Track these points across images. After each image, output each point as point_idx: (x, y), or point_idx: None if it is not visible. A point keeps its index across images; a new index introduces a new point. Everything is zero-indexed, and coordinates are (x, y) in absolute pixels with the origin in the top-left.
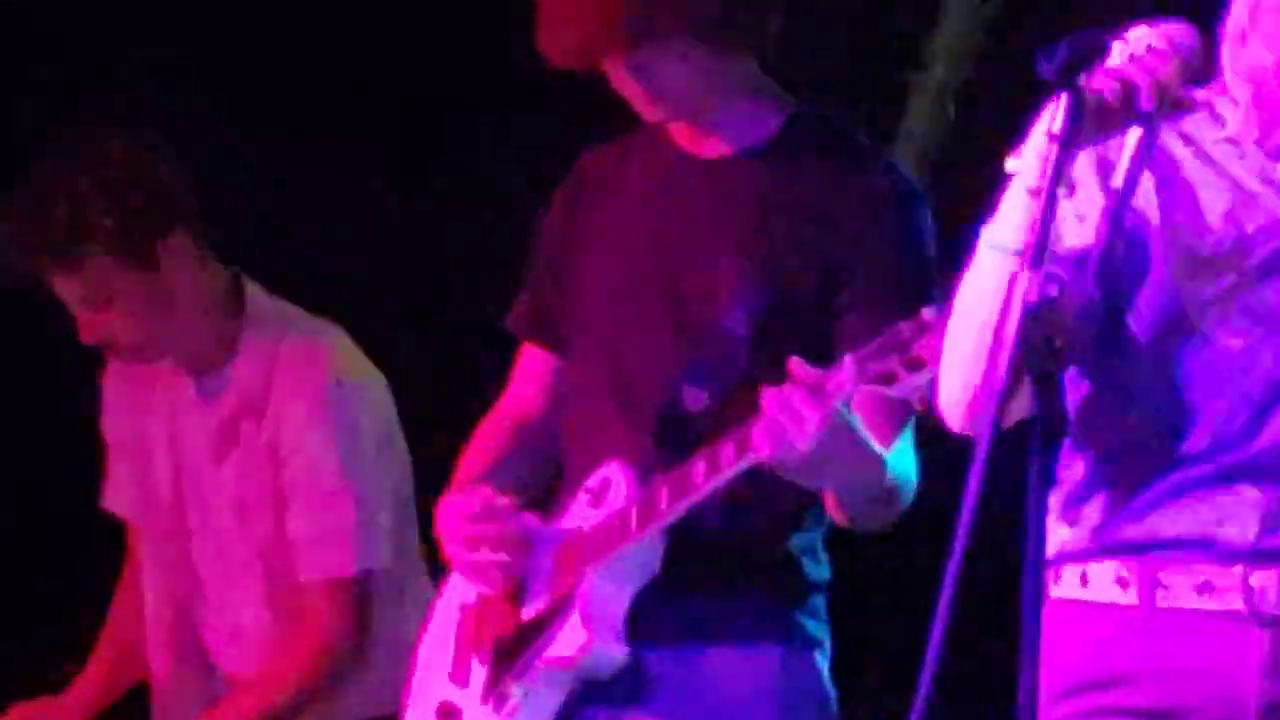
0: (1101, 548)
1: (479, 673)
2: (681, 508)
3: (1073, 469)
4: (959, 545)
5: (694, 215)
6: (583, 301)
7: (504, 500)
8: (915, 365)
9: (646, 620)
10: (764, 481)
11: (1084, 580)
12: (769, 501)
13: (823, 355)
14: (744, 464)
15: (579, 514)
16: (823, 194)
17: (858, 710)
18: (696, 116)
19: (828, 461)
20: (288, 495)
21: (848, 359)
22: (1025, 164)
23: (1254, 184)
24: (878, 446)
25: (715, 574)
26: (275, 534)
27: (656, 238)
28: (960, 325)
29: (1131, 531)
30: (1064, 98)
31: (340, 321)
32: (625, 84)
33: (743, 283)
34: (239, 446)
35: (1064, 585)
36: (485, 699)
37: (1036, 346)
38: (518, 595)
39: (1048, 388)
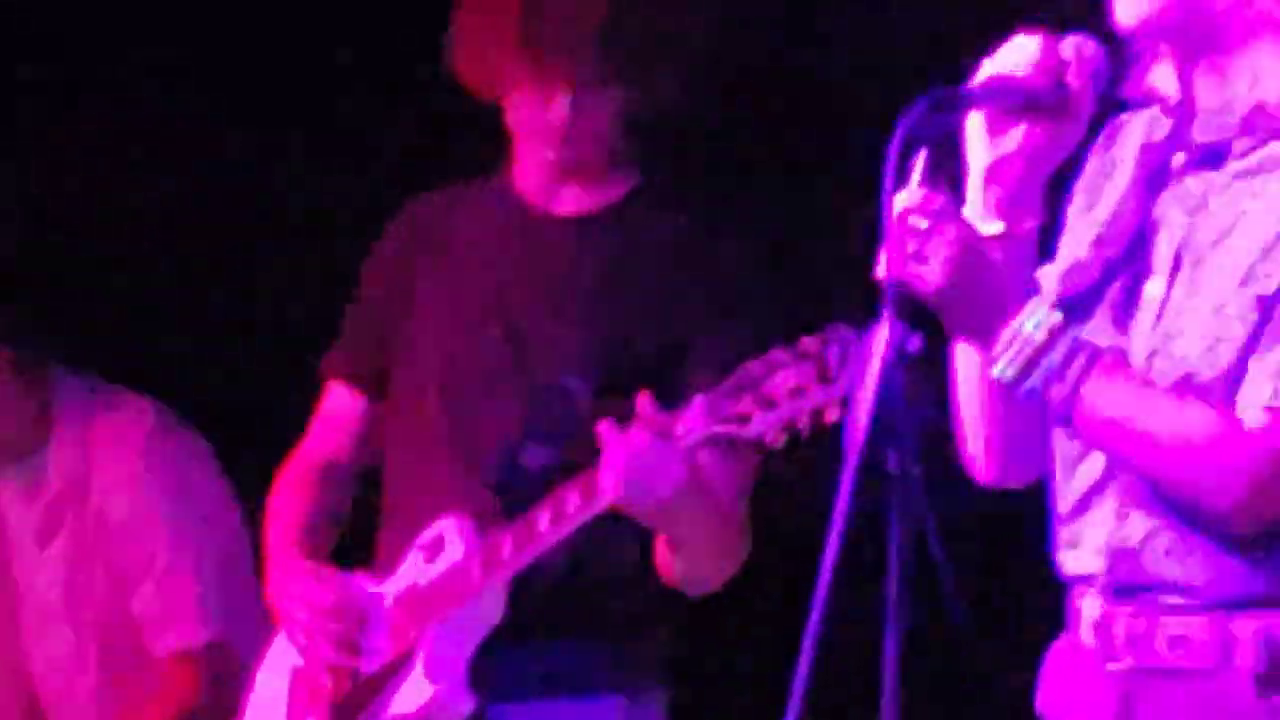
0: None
1: None
2: (526, 557)
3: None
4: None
5: (540, 272)
6: (416, 353)
7: (330, 573)
8: (769, 404)
9: (491, 673)
10: (605, 531)
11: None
12: (611, 550)
13: (669, 406)
14: (591, 510)
15: (414, 570)
16: (665, 265)
17: None
18: (592, 166)
19: (683, 507)
20: (126, 575)
21: (699, 399)
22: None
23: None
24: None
25: (556, 624)
26: (115, 621)
27: (498, 292)
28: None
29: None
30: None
31: None
32: (546, 114)
33: (584, 346)
34: (64, 531)
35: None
36: None
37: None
38: (353, 656)
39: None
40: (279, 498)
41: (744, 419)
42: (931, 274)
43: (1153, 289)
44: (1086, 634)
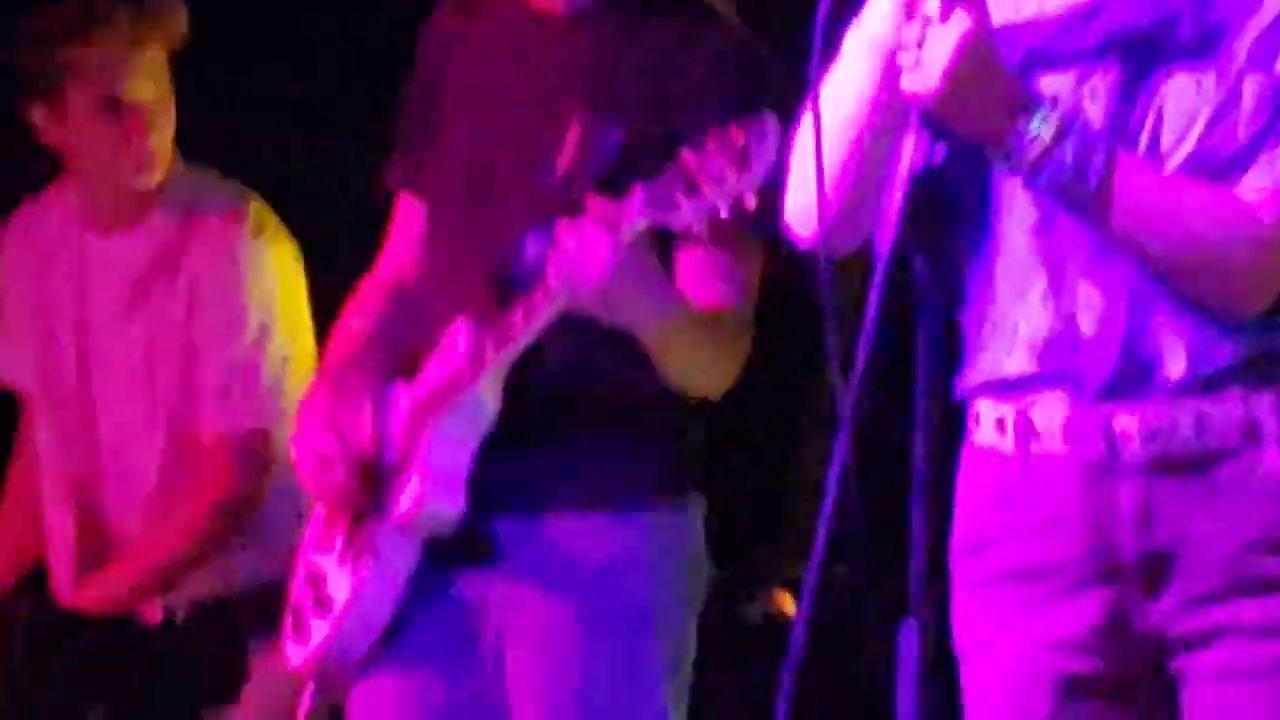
0: (985, 383)
1: (339, 537)
2: (506, 355)
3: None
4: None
5: (542, 74)
6: (440, 161)
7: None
8: (692, 189)
9: (498, 486)
10: (599, 335)
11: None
12: (607, 354)
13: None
14: (550, 303)
15: (433, 373)
16: (668, 52)
17: None
18: None
19: (623, 295)
20: (198, 348)
21: (638, 187)
22: None
23: None
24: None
25: (558, 432)
26: (182, 391)
27: (505, 97)
28: (826, 132)
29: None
30: None
31: None
32: None
33: (587, 140)
34: (151, 303)
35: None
36: (342, 562)
37: (923, 216)
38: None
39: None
40: (348, 316)
41: (672, 206)
42: (930, 79)
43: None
44: (1050, 440)
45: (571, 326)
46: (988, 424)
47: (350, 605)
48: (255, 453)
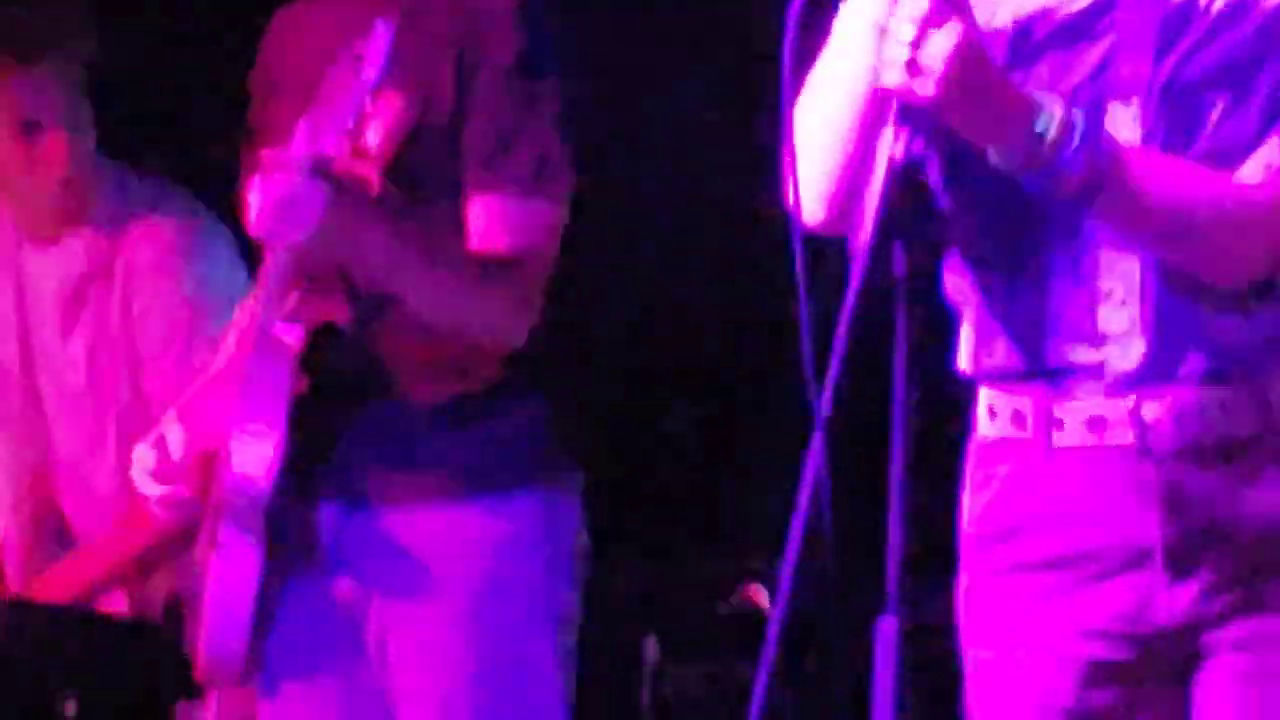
0: (999, 373)
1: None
2: (262, 321)
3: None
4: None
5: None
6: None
7: None
8: (329, 110)
9: (355, 479)
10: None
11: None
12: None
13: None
14: (274, 258)
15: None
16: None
17: None
18: None
19: (336, 230)
20: (142, 355)
21: (301, 124)
22: None
23: None
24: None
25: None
26: (130, 394)
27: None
28: (813, 114)
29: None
30: None
31: None
32: None
33: (389, 102)
34: (89, 312)
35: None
36: (201, 557)
37: (905, 208)
38: None
39: (919, 251)
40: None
41: (316, 131)
42: (927, 87)
43: None
44: (1075, 431)
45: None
46: (1003, 415)
47: (211, 602)
48: None
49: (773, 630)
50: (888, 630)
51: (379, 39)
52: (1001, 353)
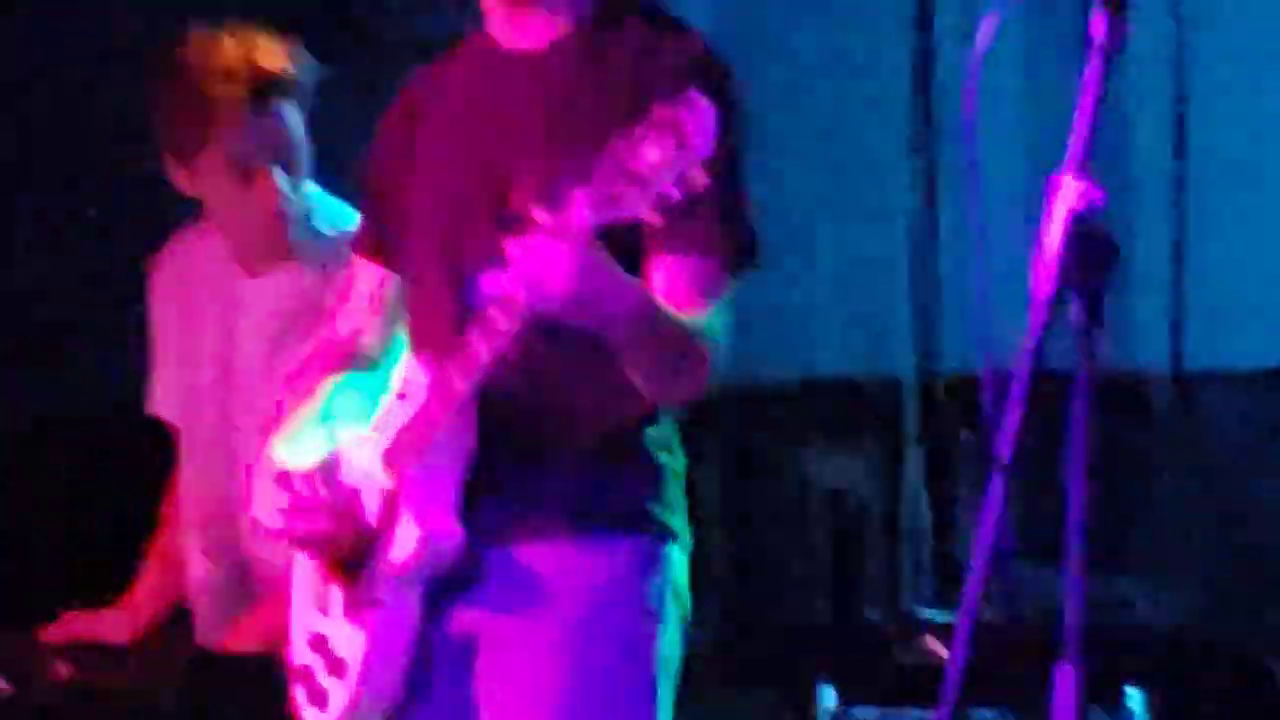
0: None
1: (336, 595)
2: (472, 381)
3: None
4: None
5: (509, 109)
6: (417, 206)
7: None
8: (637, 180)
9: (486, 515)
10: (563, 353)
11: None
12: (573, 372)
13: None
14: (511, 320)
15: (398, 416)
16: (633, 65)
17: None
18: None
19: (592, 293)
20: None
21: (578, 191)
22: None
23: None
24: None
25: (529, 454)
26: None
27: (478, 135)
28: None
29: None
30: None
31: None
32: None
33: (552, 169)
34: (294, 344)
35: None
36: (347, 620)
37: (1084, 259)
38: (348, 519)
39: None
40: (297, 381)
41: (617, 200)
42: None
43: None
44: None
45: (540, 351)
46: None
47: (368, 659)
48: None
49: (952, 677)
50: (1064, 679)
51: (703, 114)
52: None
